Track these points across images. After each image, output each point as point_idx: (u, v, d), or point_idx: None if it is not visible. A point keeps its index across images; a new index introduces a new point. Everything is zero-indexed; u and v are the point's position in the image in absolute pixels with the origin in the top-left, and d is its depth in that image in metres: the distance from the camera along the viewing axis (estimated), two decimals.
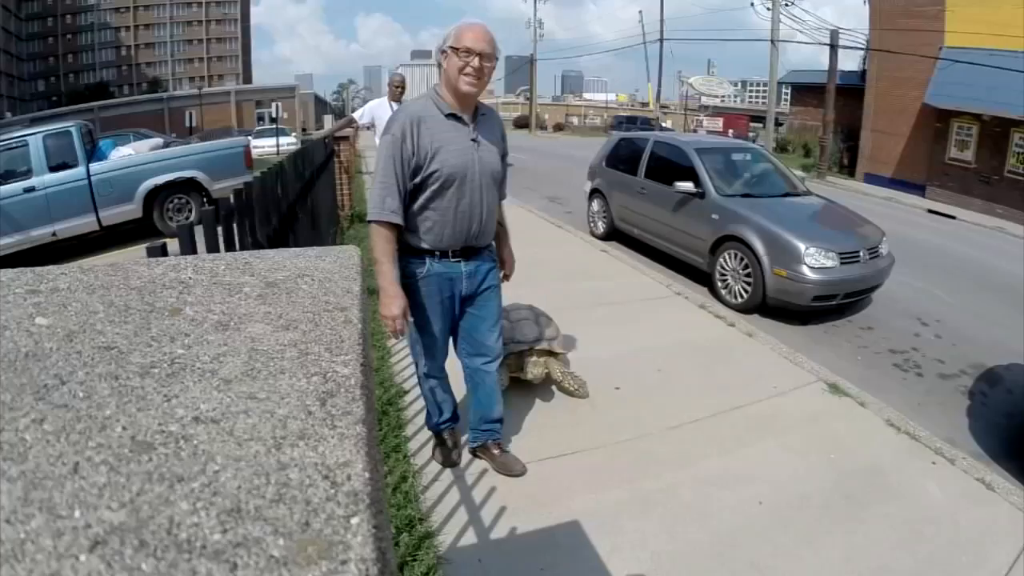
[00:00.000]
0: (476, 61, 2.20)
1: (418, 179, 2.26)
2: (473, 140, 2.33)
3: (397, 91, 6.05)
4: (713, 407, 3.48)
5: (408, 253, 2.40)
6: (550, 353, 3.55)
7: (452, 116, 2.29)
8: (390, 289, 2.24)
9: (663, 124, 28.77)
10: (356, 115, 6.42)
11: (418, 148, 2.22)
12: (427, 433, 3.12)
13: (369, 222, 2.27)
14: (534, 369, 3.41)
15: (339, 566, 0.28)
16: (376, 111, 6.06)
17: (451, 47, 2.21)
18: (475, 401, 2.80)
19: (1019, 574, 2.38)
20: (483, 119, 2.40)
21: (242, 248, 2.11)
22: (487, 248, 2.57)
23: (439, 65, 2.31)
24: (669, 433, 3.19)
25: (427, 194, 2.29)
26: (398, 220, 2.24)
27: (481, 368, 2.69)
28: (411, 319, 2.46)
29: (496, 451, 2.87)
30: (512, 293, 5.47)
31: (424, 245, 2.37)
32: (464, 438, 3.00)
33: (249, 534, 0.30)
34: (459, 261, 2.44)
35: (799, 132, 25.34)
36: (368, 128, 6.23)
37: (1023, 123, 13.75)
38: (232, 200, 2.11)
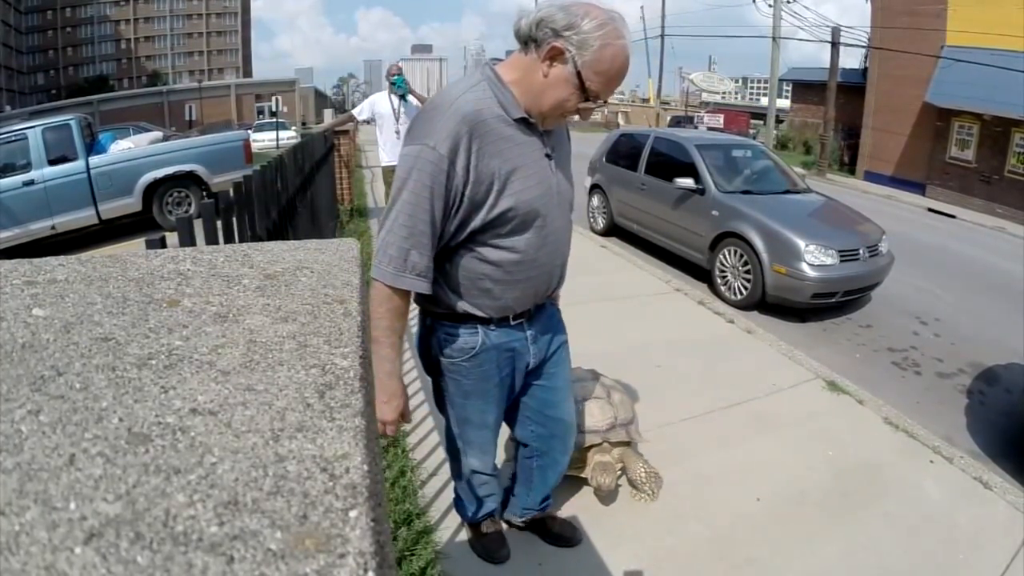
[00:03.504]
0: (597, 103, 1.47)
1: (476, 222, 1.47)
2: (548, 156, 1.56)
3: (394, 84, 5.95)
4: (711, 403, 3.49)
5: (449, 320, 1.68)
6: (626, 444, 2.68)
7: (522, 121, 1.48)
8: (389, 384, 1.55)
9: (702, 124, 28.41)
10: (356, 111, 6.33)
11: (477, 176, 1.42)
12: (428, 427, 3.12)
13: (373, 280, 1.46)
14: (604, 476, 2.47)
15: (337, 559, 0.28)
16: (376, 106, 6.01)
17: (587, 62, 1.38)
18: (539, 481, 2.14)
19: (1016, 572, 2.38)
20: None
21: (241, 242, 2.10)
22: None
23: (526, 43, 1.45)
24: (667, 429, 3.19)
25: (489, 243, 1.52)
26: (424, 287, 1.47)
27: (555, 448, 2.04)
28: (452, 411, 1.87)
29: (551, 521, 2.37)
30: None
31: (476, 311, 1.63)
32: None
33: (246, 527, 0.29)
34: (522, 323, 1.72)
35: (800, 129, 25.34)
36: (368, 123, 6.20)
37: None
38: (232, 193, 2.11)
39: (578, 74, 1.39)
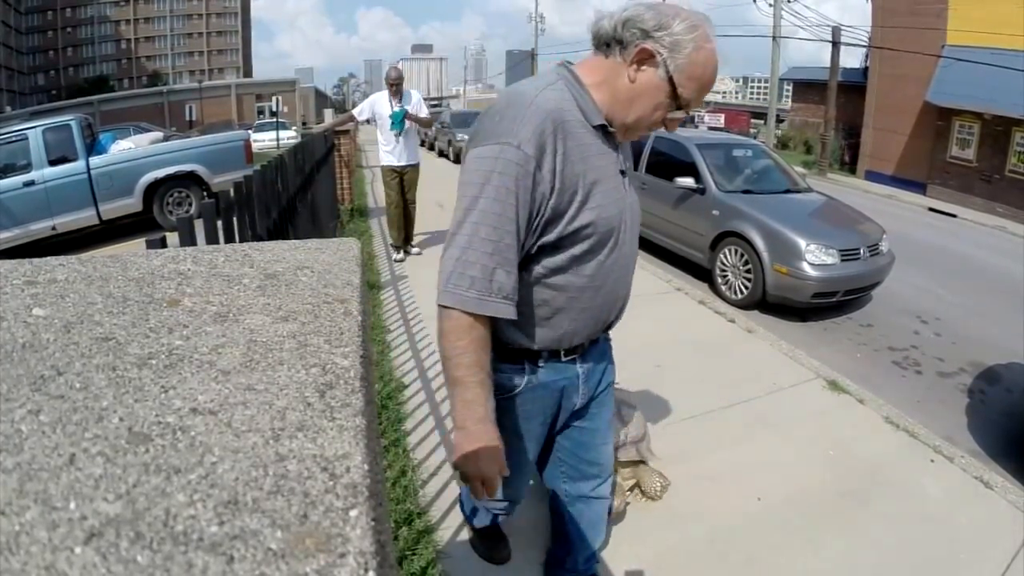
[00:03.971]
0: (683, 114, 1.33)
1: (551, 236, 1.28)
2: (622, 173, 1.41)
3: (393, 88, 5.95)
4: (712, 403, 3.48)
5: (497, 357, 1.39)
6: (639, 462, 2.56)
7: (601, 129, 1.32)
8: (483, 433, 1.23)
9: (702, 123, 28.19)
10: (356, 111, 6.33)
11: (563, 182, 1.24)
12: (428, 427, 3.12)
13: (447, 308, 1.23)
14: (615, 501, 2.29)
15: (337, 559, 0.28)
16: (376, 106, 6.01)
17: (680, 66, 1.24)
18: (574, 534, 1.83)
19: (1017, 572, 2.38)
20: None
21: (242, 241, 2.10)
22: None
23: (608, 45, 1.30)
24: (667, 429, 3.19)
25: (556, 263, 1.32)
26: (511, 312, 1.25)
27: (591, 495, 1.78)
28: None
29: None
30: None
31: (527, 343, 1.41)
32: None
33: (246, 526, 0.29)
34: (574, 359, 1.51)
35: (800, 129, 25.32)
36: (368, 123, 6.19)
37: None
38: (232, 193, 2.11)
39: (670, 79, 1.24)
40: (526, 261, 1.30)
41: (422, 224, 6.91)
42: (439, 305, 1.23)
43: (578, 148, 1.26)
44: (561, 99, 1.27)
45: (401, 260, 6.45)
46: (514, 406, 1.50)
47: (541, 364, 1.46)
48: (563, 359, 1.48)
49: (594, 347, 1.56)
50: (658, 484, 2.57)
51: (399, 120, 5.95)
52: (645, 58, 1.25)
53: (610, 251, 1.36)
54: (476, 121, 1.32)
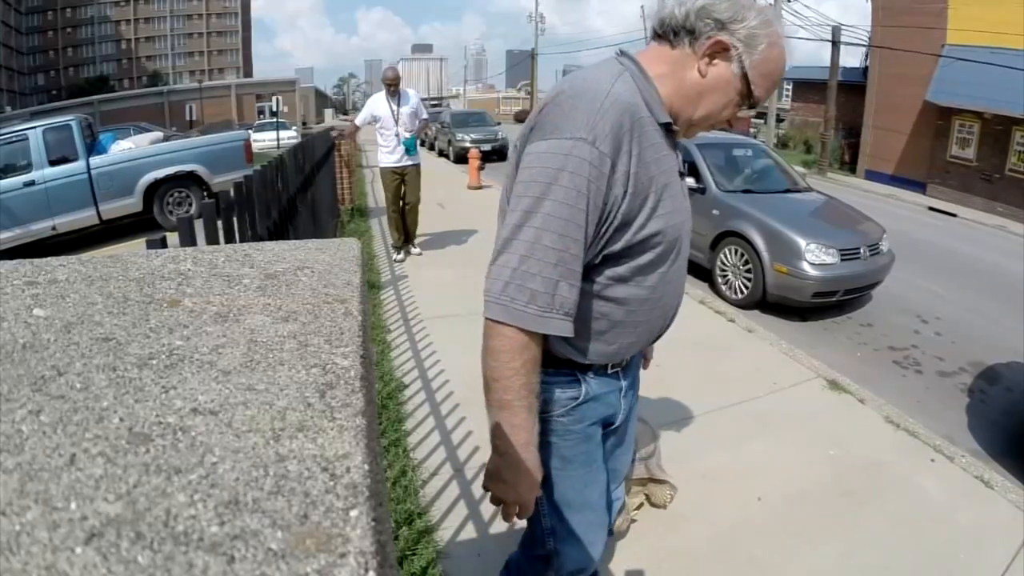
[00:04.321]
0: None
1: (617, 246, 1.16)
2: (681, 175, 1.31)
3: (391, 88, 5.96)
4: (712, 403, 3.48)
5: (543, 367, 1.19)
6: (648, 480, 2.49)
7: (665, 127, 1.20)
8: (527, 457, 1.14)
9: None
10: (358, 121, 6.41)
11: (636, 184, 1.12)
12: (428, 427, 3.13)
13: (500, 324, 1.09)
14: (618, 519, 2.18)
15: (338, 559, 0.28)
16: (375, 108, 6.04)
17: (755, 62, 1.14)
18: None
19: (1017, 571, 2.38)
20: None
21: (242, 241, 2.10)
22: None
23: (676, 35, 1.18)
24: (667, 428, 3.19)
25: (618, 274, 1.20)
26: (571, 330, 1.12)
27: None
28: (543, 496, 1.33)
29: None
30: None
31: (577, 357, 1.27)
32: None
33: (247, 526, 0.29)
34: (618, 372, 1.37)
35: (800, 128, 25.30)
36: (371, 123, 6.18)
37: None
38: (232, 193, 2.11)
39: (744, 75, 1.16)
40: (585, 271, 1.15)
41: (423, 225, 6.89)
42: (489, 319, 1.09)
43: (651, 148, 1.14)
44: (633, 91, 1.15)
45: (401, 260, 6.43)
46: (574, 423, 1.32)
47: (591, 376, 1.31)
48: (608, 372, 1.34)
49: (634, 359, 1.43)
50: (668, 495, 2.55)
51: (413, 145, 6.11)
52: (718, 51, 1.15)
53: (672, 261, 1.25)
54: (539, 111, 1.16)
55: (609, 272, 1.19)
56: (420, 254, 6.66)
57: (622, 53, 1.25)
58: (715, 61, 1.16)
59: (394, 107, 5.96)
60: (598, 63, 1.24)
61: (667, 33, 1.20)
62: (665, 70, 1.19)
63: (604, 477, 1.45)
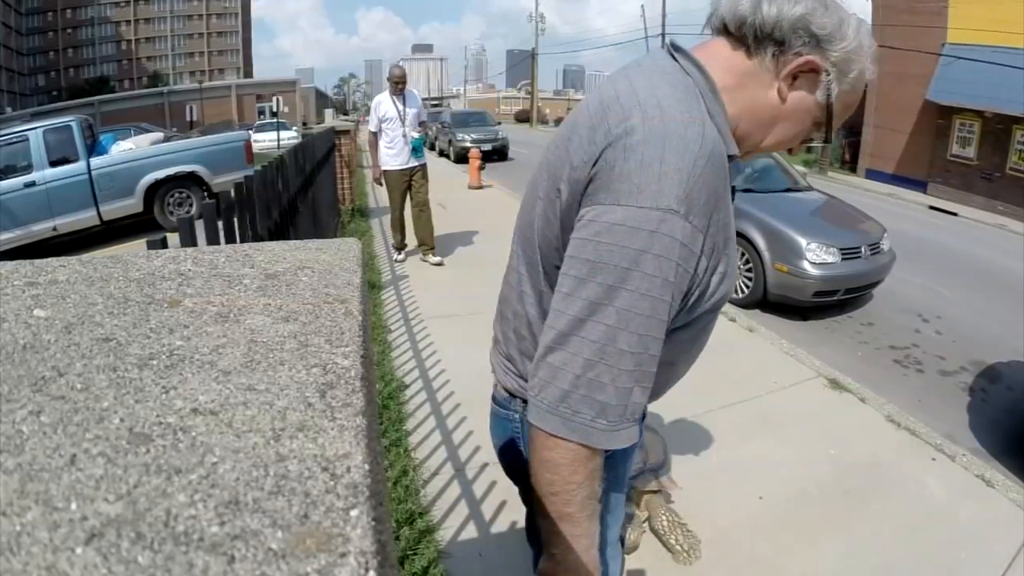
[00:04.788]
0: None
1: (680, 321, 0.98)
2: None
3: (397, 87, 5.78)
4: (713, 402, 3.48)
5: None
6: (658, 491, 2.39)
7: (732, 161, 0.96)
8: (586, 561, 0.98)
9: None
10: (372, 128, 6.00)
11: (716, 251, 0.92)
12: (429, 427, 3.13)
13: (560, 440, 0.89)
14: (628, 530, 2.16)
15: (338, 559, 0.28)
16: (380, 109, 5.84)
17: (843, 92, 0.94)
18: None
19: (1018, 570, 2.38)
20: None
21: (243, 242, 2.10)
22: None
23: (757, 40, 0.93)
24: (669, 428, 3.19)
25: (672, 336, 0.97)
26: (636, 434, 0.94)
27: None
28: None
29: None
30: None
31: None
32: None
33: (247, 526, 0.29)
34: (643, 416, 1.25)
35: None
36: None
37: None
38: (233, 194, 2.11)
39: (828, 106, 0.95)
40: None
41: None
42: (545, 432, 0.89)
43: (726, 195, 0.91)
44: (712, 127, 0.88)
45: (402, 260, 6.31)
46: (617, 473, 1.21)
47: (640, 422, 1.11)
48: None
49: None
50: (664, 520, 2.35)
51: (420, 146, 5.98)
52: (805, 72, 0.92)
53: (719, 311, 1.07)
54: (598, 153, 0.87)
55: (672, 336, 0.97)
56: (441, 263, 6.26)
57: (677, 49, 0.98)
58: (798, 83, 0.94)
59: (400, 107, 5.81)
60: (654, 69, 0.95)
61: (746, 37, 0.93)
62: (733, 83, 0.95)
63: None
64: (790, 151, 1.07)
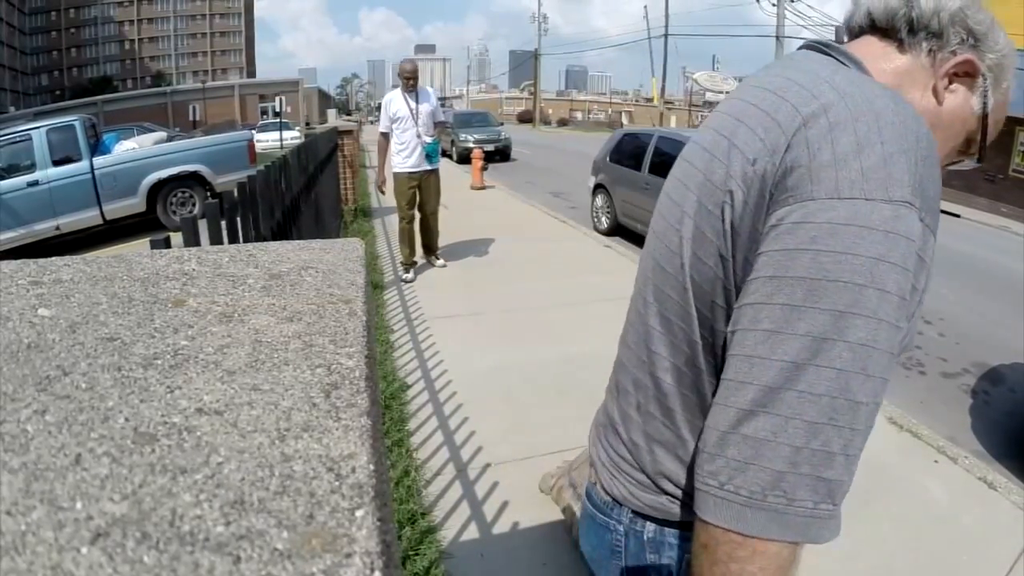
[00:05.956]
0: None
1: None
2: None
3: (409, 83, 5.35)
4: None
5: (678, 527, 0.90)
6: None
7: None
8: None
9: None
10: (383, 128, 5.54)
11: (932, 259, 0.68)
12: (431, 427, 3.13)
13: (766, 541, 0.66)
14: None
15: (343, 559, 0.28)
16: (391, 107, 5.40)
17: (999, 103, 0.85)
18: None
19: (1020, 573, 2.38)
20: None
21: (246, 242, 2.10)
22: None
23: (915, 33, 0.80)
24: None
25: None
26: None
27: None
28: None
29: None
30: (515, 288, 5.47)
31: None
32: None
33: (253, 526, 0.29)
34: None
35: None
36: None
37: None
38: (236, 194, 2.11)
39: (983, 117, 0.83)
40: None
41: None
42: (739, 535, 0.67)
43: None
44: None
45: (411, 280, 5.67)
46: None
47: None
48: None
49: None
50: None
51: (435, 151, 5.53)
52: (962, 74, 0.80)
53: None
54: (800, 134, 0.66)
55: None
56: (444, 266, 6.06)
57: (828, 46, 0.81)
58: (953, 86, 0.81)
59: (413, 105, 5.35)
60: (811, 59, 0.79)
61: (898, 30, 0.80)
62: (891, 83, 0.79)
63: None
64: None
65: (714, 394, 0.71)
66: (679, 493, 0.82)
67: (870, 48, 0.82)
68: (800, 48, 0.85)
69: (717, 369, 0.75)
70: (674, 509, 0.83)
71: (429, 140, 5.45)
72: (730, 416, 0.65)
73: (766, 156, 0.68)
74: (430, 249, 6.01)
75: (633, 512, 0.88)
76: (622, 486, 0.89)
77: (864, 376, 0.61)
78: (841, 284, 0.60)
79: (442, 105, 6.73)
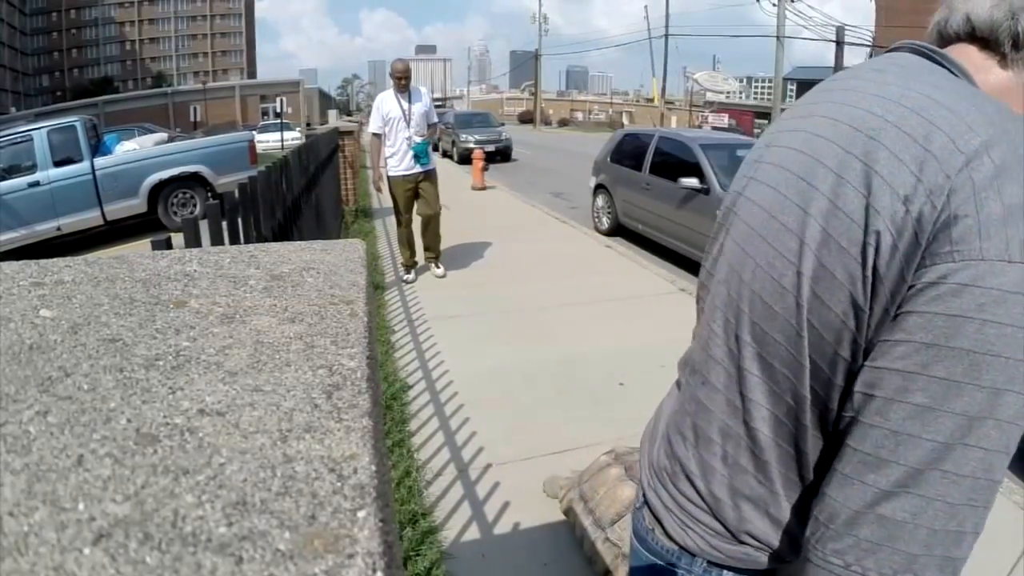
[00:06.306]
0: None
1: None
2: None
3: (401, 83, 5.23)
4: None
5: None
6: None
7: None
8: None
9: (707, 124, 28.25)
10: (374, 129, 5.44)
11: None
12: (432, 428, 3.13)
13: None
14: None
15: (346, 560, 0.28)
16: (383, 108, 5.32)
17: None
18: None
19: (1021, 574, 2.37)
20: None
21: (247, 242, 2.10)
22: None
23: (1019, 47, 0.70)
24: None
25: None
26: None
27: None
28: None
29: None
30: (516, 290, 5.48)
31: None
32: None
33: (255, 527, 0.29)
34: None
35: None
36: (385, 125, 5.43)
37: None
38: (237, 194, 2.11)
39: None
40: None
41: None
42: None
43: None
44: None
45: (412, 281, 5.66)
46: None
47: None
48: None
49: None
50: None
51: (424, 152, 5.36)
52: None
53: None
54: (963, 176, 0.58)
55: None
56: (444, 275, 5.84)
57: (931, 50, 0.73)
58: None
59: (405, 105, 5.21)
60: (923, 67, 0.72)
61: (1000, 44, 0.72)
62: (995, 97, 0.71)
63: None
64: None
65: (814, 449, 0.69)
66: (764, 547, 0.78)
67: (970, 58, 0.73)
68: (899, 50, 0.77)
69: (823, 423, 0.70)
70: (761, 558, 0.79)
71: (419, 140, 5.31)
72: (867, 496, 0.61)
73: (922, 196, 0.59)
74: (430, 250, 5.90)
75: (708, 562, 0.82)
76: (698, 538, 0.82)
77: (1005, 455, 0.57)
78: (1003, 360, 0.55)
79: (441, 106, 6.64)
